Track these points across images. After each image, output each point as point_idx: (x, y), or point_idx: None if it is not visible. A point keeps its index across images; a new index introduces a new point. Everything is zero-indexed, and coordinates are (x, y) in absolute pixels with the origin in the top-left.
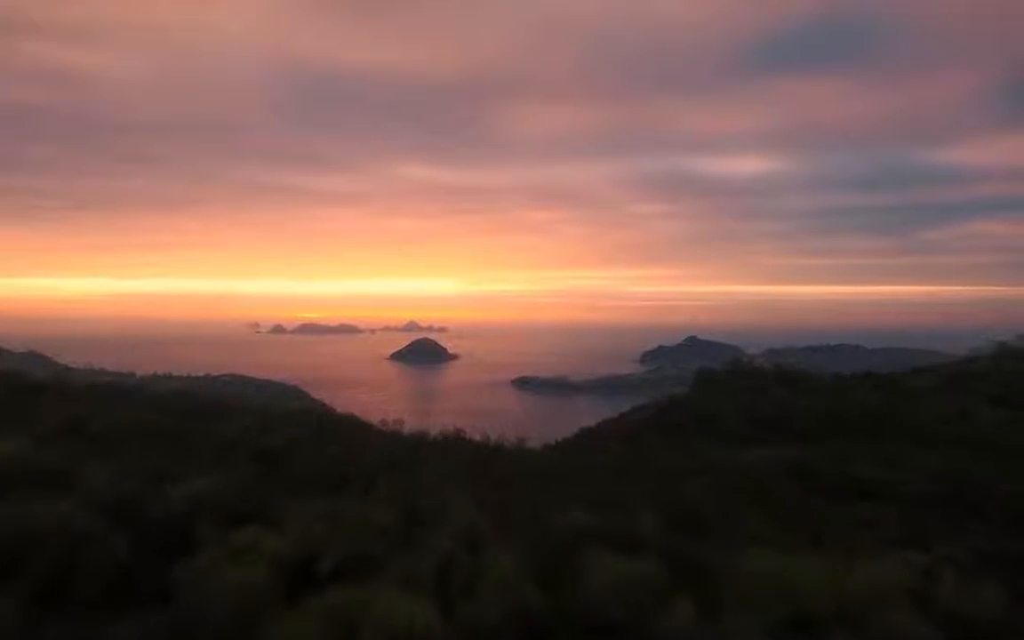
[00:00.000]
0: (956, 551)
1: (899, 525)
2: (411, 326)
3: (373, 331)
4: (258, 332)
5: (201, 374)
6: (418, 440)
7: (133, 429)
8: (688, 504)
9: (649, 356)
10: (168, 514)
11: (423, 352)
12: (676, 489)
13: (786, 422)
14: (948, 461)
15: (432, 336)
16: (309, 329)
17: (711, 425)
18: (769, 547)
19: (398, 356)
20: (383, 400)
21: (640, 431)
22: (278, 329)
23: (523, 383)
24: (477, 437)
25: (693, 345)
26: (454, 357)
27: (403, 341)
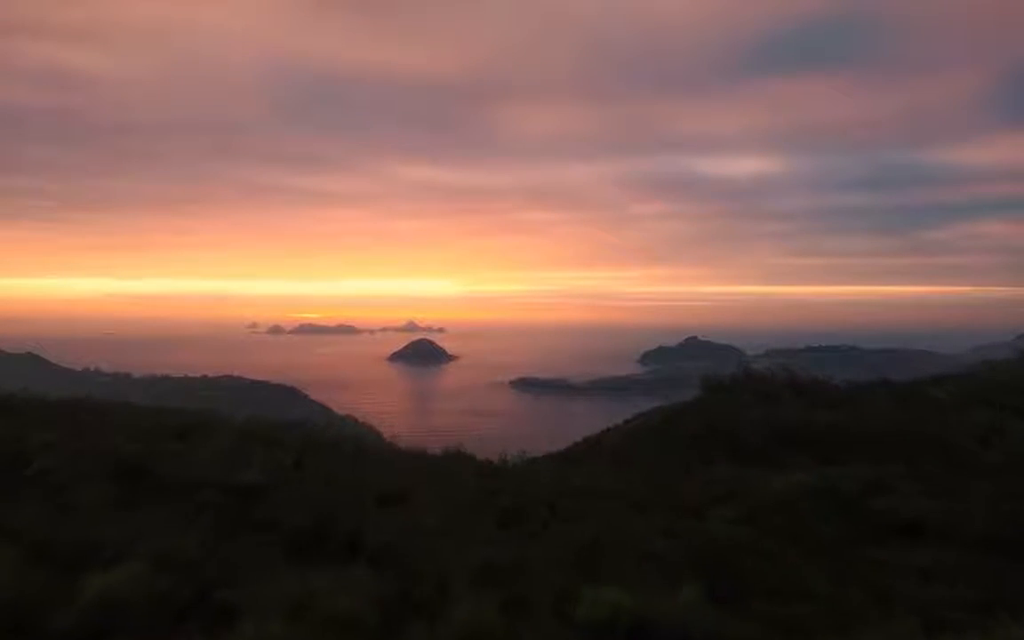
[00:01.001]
0: None
1: (970, 578)
2: (410, 326)
3: (372, 332)
4: (256, 333)
5: (198, 376)
6: (414, 462)
7: (90, 463)
8: (725, 552)
9: (649, 357)
10: (78, 622)
11: (422, 353)
12: (705, 529)
13: (806, 437)
14: (998, 489)
15: (431, 337)
16: (307, 330)
17: (725, 439)
18: (832, 612)
19: (397, 357)
20: (382, 402)
21: (648, 443)
22: (276, 330)
23: (522, 384)
24: (479, 452)
25: (693, 346)
26: (453, 358)
27: (402, 342)
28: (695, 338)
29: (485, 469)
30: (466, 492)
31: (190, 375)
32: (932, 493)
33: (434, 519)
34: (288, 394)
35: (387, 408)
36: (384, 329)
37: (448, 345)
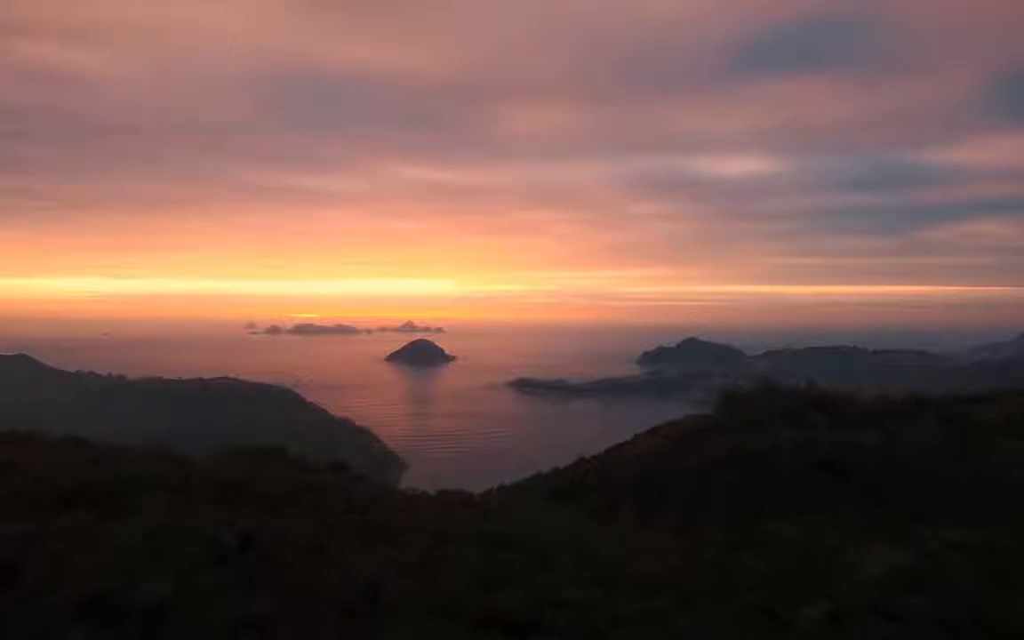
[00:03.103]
0: None
1: None
2: (408, 327)
3: (370, 332)
4: (254, 333)
5: (193, 377)
6: (395, 508)
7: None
8: None
9: (648, 358)
10: None
11: (420, 354)
12: None
13: (856, 474)
14: None
15: (429, 337)
16: (305, 330)
17: (758, 471)
18: None
19: (395, 357)
20: (379, 403)
21: (668, 474)
22: (274, 330)
23: (521, 385)
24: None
25: (692, 346)
26: (452, 359)
27: (400, 342)
28: (694, 339)
29: (487, 539)
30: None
31: (185, 377)
32: None
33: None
34: (285, 396)
35: (385, 410)
36: (382, 329)
37: (447, 345)
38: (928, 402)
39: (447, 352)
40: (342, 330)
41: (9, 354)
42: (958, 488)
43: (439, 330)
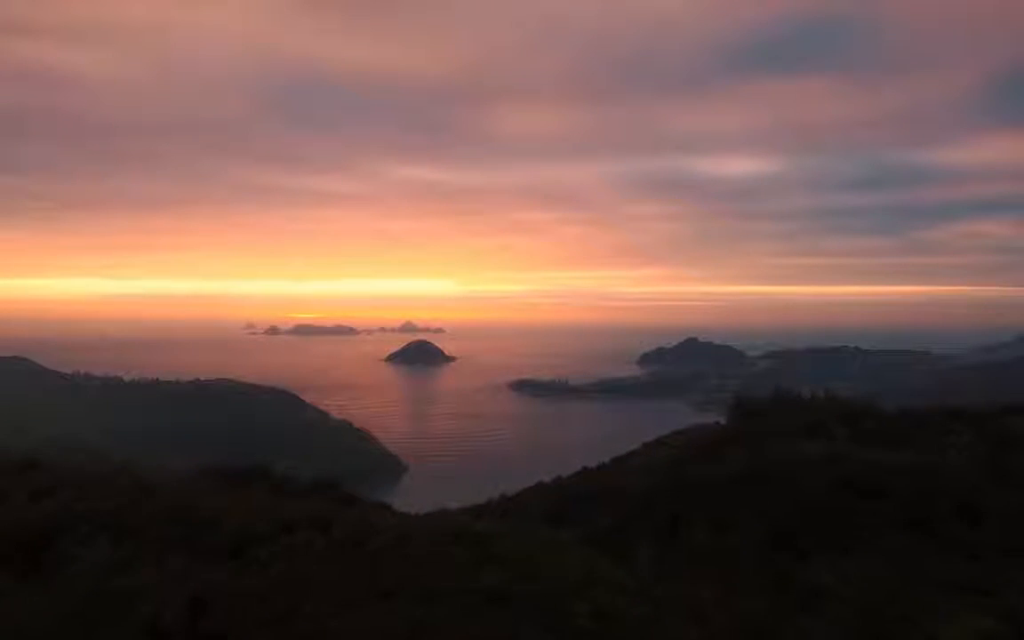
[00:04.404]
0: None
1: None
2: (408, 327)
3: (369, 332)
4: (253, 333)
5: (190, 379)
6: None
7: None
8: None
9: (648, 358)
10: None
11: (420, 354)
12: None
13: (893, 496)
14: None
15: (429, 337)
16: (304, 330)
17: (785, 493)
18: None
19: (395, 358)
20: (379, 405)
21: (684, 490)
22: (273, 330)
23: (521, 386)
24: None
25: (692, 347)
26: (451, 359)
27: (400, 342)
28: (694, 339)
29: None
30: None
31: (182, 379)
32: None
33: None
34: (284, 398)
35: (384, 411)
36: (382, 329)
37: (446, 346)
38: (962, 414)
39: (447, 353)
40: (341, 330)
41: (5, 356)
42: (1006, 516)
43: (439, 330)
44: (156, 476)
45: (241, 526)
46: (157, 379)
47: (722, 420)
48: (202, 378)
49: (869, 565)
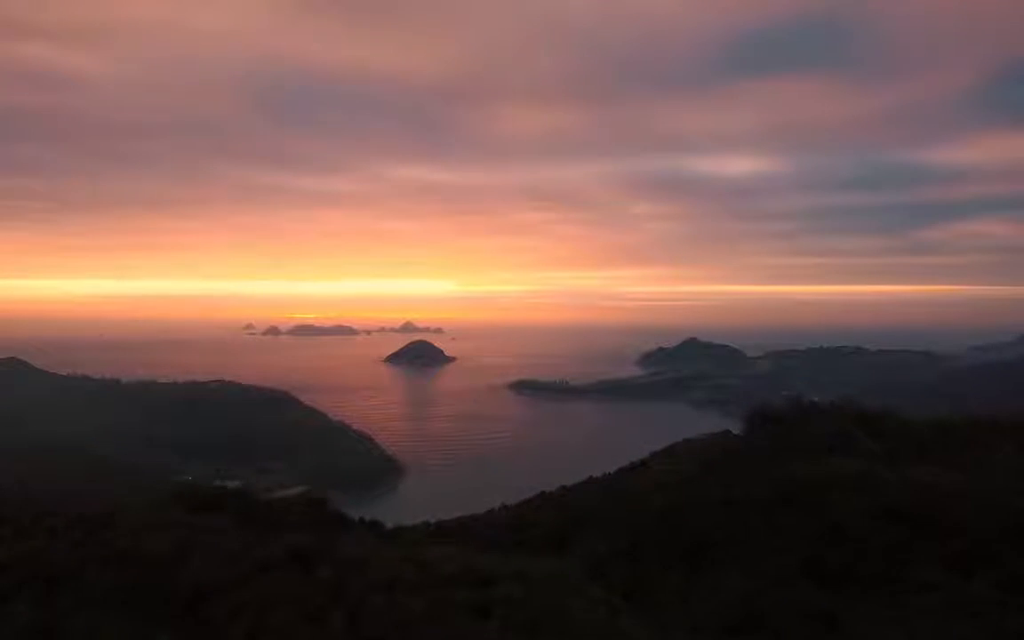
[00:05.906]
0: None
1: None
2: (408, 327)
3: (369, 332)
4: (253, 334)
5: (189, 380)
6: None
7: None
8: None
9: (648, 358)
10: None
11: (420, 354)
12: None
13: (940, 525)
14: None
15: (429, 337)
16: (304, 331)
17: (822, 517)
18: None
19: (394, 358)
20: (378, 406)
21: (701, 511)
22: (272, 331)
23: (522, 386)
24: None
25: (692, 347)
26: (451, 359)
27: (399, 343)
28: (695, 339)
29: None
30: None
31: (179, 381)
32: None
33: None
34: (282, 399)
35: (384, 412)
36: (382, 329)
37: (446, 346)
38: (998, 426)
39: (447, 353)
40: (341, 331)
41: (5, 356)
42: None
43: (438, 330)
44: (116, 499)
45: (206, 570)
46: (155, 381)
47: (734, 429)
48: (200, 379)
49: (926, 605)
